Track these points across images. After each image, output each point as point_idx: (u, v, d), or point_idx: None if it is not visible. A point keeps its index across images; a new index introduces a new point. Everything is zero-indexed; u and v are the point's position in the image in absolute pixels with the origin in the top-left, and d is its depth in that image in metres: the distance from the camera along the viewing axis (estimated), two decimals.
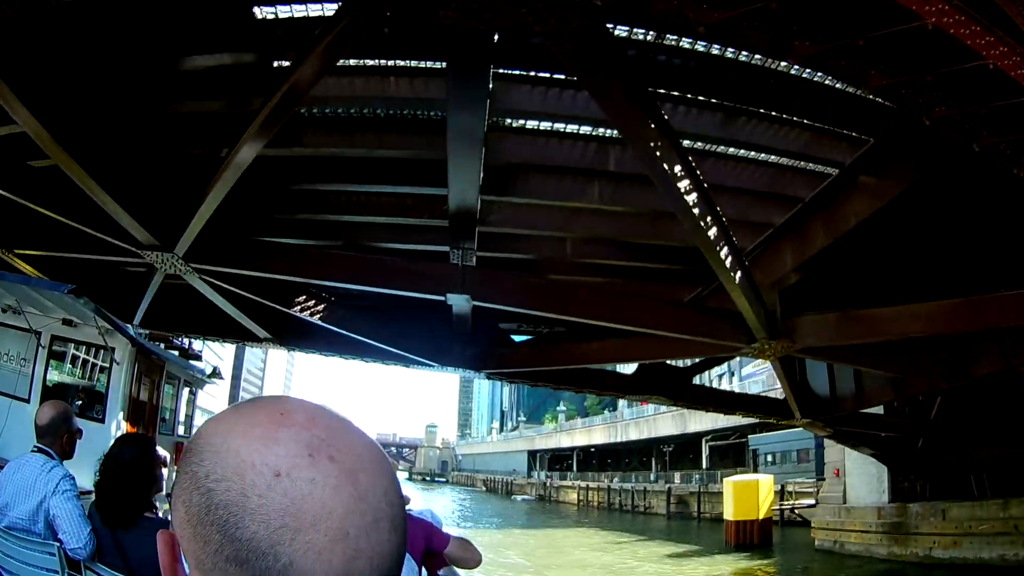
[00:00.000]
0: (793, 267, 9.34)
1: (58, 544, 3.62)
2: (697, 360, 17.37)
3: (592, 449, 74.26)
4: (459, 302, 8.76)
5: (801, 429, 35.89)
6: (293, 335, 14.09)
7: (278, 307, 10.62)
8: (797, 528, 29.65)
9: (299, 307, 10.90)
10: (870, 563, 21.36)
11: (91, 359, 11.15)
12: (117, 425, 10.55)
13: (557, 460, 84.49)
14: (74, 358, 11.10)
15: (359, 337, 12.07)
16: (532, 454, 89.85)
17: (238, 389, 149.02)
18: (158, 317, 12.78)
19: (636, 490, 52.92)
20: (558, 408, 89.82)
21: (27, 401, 9.69)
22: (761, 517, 27.78)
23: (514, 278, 9.26)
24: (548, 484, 73.84)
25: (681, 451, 55.55)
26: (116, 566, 3.48)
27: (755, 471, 40.48)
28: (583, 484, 64.73)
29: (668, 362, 16.20)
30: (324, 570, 0.56)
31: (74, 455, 4.04)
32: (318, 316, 11.14)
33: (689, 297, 10.42)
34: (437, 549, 3.28)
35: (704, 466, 49.83)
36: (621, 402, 71.34)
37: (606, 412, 79.14)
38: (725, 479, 30.84)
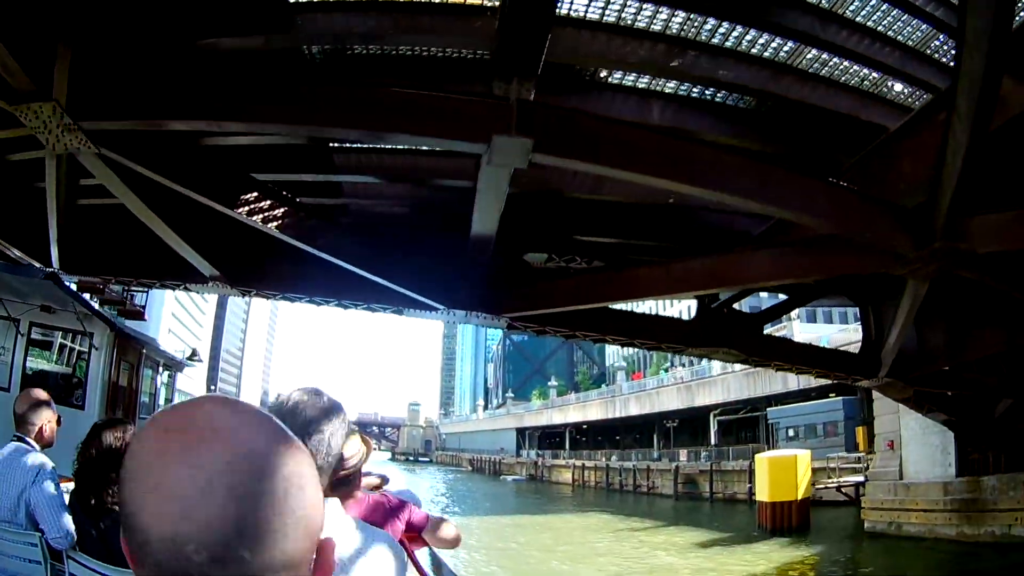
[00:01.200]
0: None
1: (39, 534, 3.62)
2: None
3: (584, 426, 71.93)
4: (509, 154, 5.59)
5: (825, 400, 34.29)
6: (249, 271, 11.23)
7: (218, 207, 7.56)
8: (832, 508, 27.38)
9: (248, 209, 7.87)
10: (937, 545, 19.27)
11: (70, 344, 11.22)
12: (97, 411, 10.63)
13: (548, 438, 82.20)
14: (53, 345, 11.15)
15: (339, 262, 9.13)
16: (521, 432, 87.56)
17: (216, 371, 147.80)
18: (80, 257, 10.21)
19: (638, 469, 50.58)
20: (549, 384, 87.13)
21: (7, 390, 9.61)
22: (799, 497, 25.28)
23: (599, 120, 6.12)
24: (540, 463, 71.55)
25: (686, 427, 53.08)
26: (98, 554, 3.46)
27: (773, 447, 38.13)
28: (578, 463, 62.47)
29: (735, 307, 13.57)
30: (158, 526, 0.66)
31: (54, 443, 4.05)
32: (279, 224, 8.15)
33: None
34: (415, 529, 3.16)
35: (712, 442, 47.40)
36: (619, 375, 69.26)
37: (603, 386, 76.88)
38: (757, 456, 28.29)
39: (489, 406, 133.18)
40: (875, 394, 23.54)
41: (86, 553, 3.51)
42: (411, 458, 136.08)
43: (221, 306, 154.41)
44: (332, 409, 1.75)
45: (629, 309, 15.75)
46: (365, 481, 3.08)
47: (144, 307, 18.03)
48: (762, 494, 25.84)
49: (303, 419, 1.68)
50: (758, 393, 41.33)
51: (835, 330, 40.90)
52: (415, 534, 3.21)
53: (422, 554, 3.28)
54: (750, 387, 42.13)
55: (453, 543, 3.41)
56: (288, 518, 0.70)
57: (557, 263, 12.11)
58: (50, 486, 3.70)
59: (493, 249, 9.26)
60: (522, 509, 44.75)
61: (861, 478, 25.25)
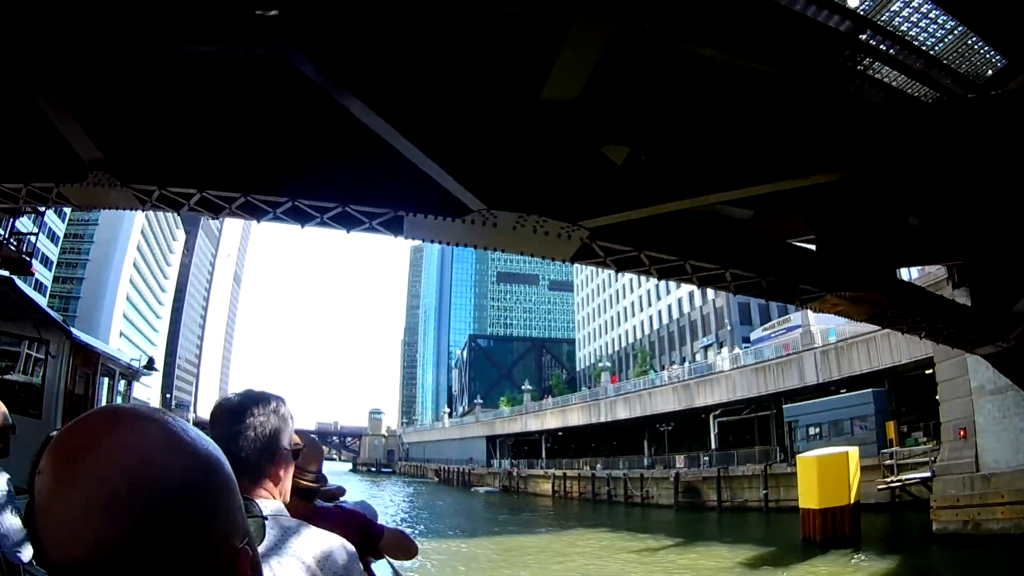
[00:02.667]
0: None
1: None
2: None
3: (560, 433, 68.21)
4: None
5: (853, 393, 31.01)
6: (144, 151, 7.33)
7: None
8: (875, 512, 24.54)
9: None
10: None
11: (26, 352, 10.78)
12: (54, 421, 10.31)
13: (521, 446, 78.23)
14: (8, 353, 10.77)
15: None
16: (492, 440, 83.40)
17: (172, 379, 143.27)
18: None
19: (630, 478, 46.89)
20: (523, 388, 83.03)
21: None
22: (852, 501, 22.12)
23: None
24: (514, 473, 67.51)
25: (681, 430, 49.36)
26: None
27: (790, 447, 34.78)
28: (558, 472, 58.67)
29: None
30: (54, 553, 0.67)
31: (9, 453, 3.83)
32: None
33: None
34: (372, 541, 3.08)
35: (713, 446, 43.84)
36: (604, 376, 65.52)
37: (584, 388, 73.18)
38: (801, 456, 24.81)
39: (455, 413, 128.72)
40: (940, 375, 22.07)
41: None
42: (373, 469, 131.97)
43: (177, 309, 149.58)
44: (261, 399, 1.76)
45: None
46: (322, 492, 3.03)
47: (31, 256, 14.45)
48: (809, 500, 22.47)
49: (233, 415, 1.70)
50: (770, 390, 37.99)
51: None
52: (372, 546, 3.08)
53: (380, 566, 3.24)
54: (760, 383, 38.79)
55: (410, 554, 3.33)
56: (178, 530, 0.68)
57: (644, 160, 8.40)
58: (6, 498, 3.38)
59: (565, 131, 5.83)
60: (504, 526, 40.58)
61: (927, 473, 22.26)
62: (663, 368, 73.16)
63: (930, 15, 7.64)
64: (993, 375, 18.53)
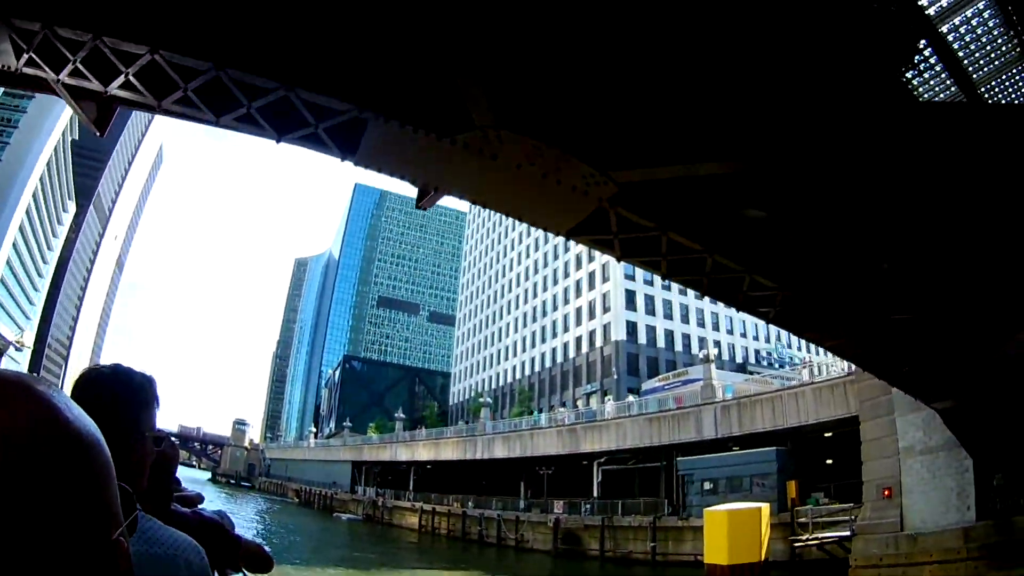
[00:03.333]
0: None
1: None
2: None
3: (429, 466, 65.19)
4: None
5: (756, 450, 30.43)
6: None
7: None
8: (783, 570, 23.95)
9: None
10: None
11: None
12: None
13: (389, 475, 74.35)
14: None
15: None
16: (358, 465, 79.20)
17: (41, 356, 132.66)
18: None
19: (504, 519, 44.60)
20: (396, 416, 79.48)
21: None
22: (763, 558, 21.33)
23: None
24: (380, 503, 63.77)
25: (562, 475, 47.66)
26: None
27: (681, 501, 33.78)
28: (427, 506, 55.63)
29: None
30: None
31: None
32: None
33: None
34: (230, 551, 2.88)
35: (595, 494, 42.37)
36: (483, 412, 63.31)
37: (461, 423, 70.67)
38: (706, 510, 23.54)
39: (320, 434, 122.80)
40: (866, 435, 22.37)
41: None
42: (233, 481, 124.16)
43: (56, 286, 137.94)
44: (130, 375, 1.66)
45: None
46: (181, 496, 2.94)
47: None
48: (717, 556, 21.26)
49: (97, 387, 1.59)
50: (663, 441, 37.08)
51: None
52: (230, 557, 2.90)
53: None
54: (653, 434, 37.87)
55: (267, 568, 3.17)
56: (48, 516, 0.62)
57: None
58: None
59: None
60: (368, 560, 37.47)
61: (846, 532, 22.12)
62: (542, 410, 71.98)
63: None
64: (924, 436, 19.22)
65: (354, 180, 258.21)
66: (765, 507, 22.85)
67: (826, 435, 30.35)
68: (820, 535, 24.10)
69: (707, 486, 32.25)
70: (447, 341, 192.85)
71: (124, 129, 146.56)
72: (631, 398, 47.95)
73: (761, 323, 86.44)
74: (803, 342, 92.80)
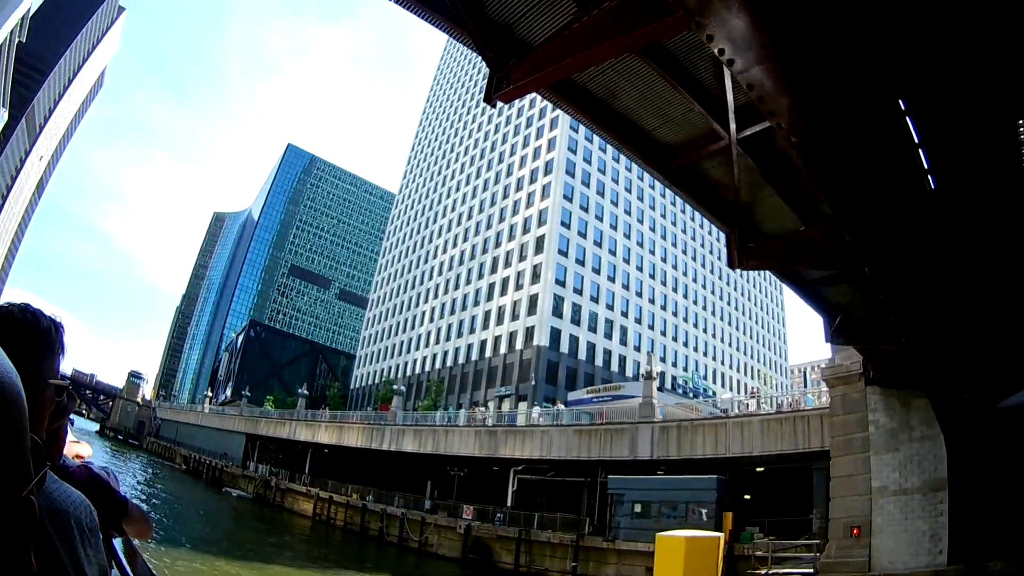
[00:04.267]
0: None
1: None
2: None
3: (326, 450, 61.92)
4: None
5: (697, 476, 29.25)
6: None
7: None
8: None
9: None
10: None
11: None
12: None
13: (284, 454, 70.42)
14: None
15: None
16: (252, 439, 74.96)
17: None
18: None
19: (409, 519, 42.04)
20: (299, 392, 75.25)
21: None
22: None
23: None
24: (273, 483, 59.98)
25: (475, 479, 45.41)
26: None
27: (607, 521, 32.18)
28: (324, 494, 52.41)
29: None
30: None
31: None
32: None
33: None
34: (116, 512, 2.76)
35: (509, 503, 40.34)
36: (395, 400, 60.54)
37: (369, 408, 67.43)
38: (661, 535, 21.70)
39: (215, 400, 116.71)
40: (836, 471, 22.04)
41: None
42: (121, 437, 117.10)
43: None
44: (37, 315, 1.54)
45: None
46: (71, 447, 2.90)
47: None
48: None
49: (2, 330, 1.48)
50: (593, 456, 35.51)
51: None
52: (115, 520, 2.80)
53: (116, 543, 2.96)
54: (582, 447, 36.28)
55: (146, 535, 3.02)
56: None
57: None
58: None
59: None
60: (255, 546, 34.42)
61: (809, 569, 21.52)
62: (449, 407, 69.50)
63: None
64: (900, 476, 19.44)
65: (288, 140, 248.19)
66: (720, 536, 21.78)
67: (758, 470, 29.63)
68: (780, 570, 22.95)
69: (637, 508, 30.77)
70: (354, 322, 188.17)
71: (72, 43, 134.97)
72: (560, 406, 46.16)
73: (682, 350, 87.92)
74: (718, 376, 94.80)
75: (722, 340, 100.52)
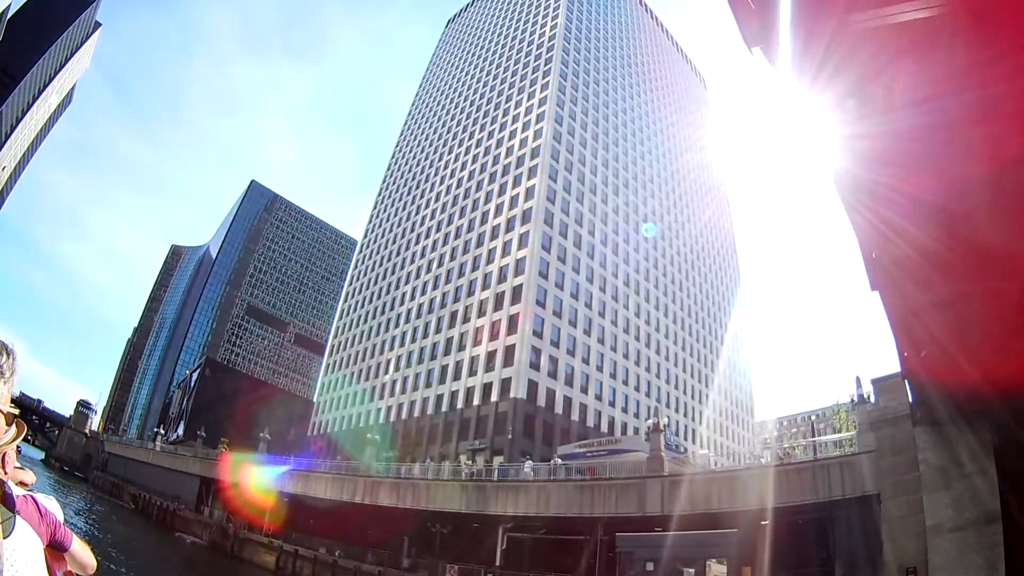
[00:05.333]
0: None
1: None
2: None
3: (286, 499, 58.27)
4: None
5: (710, 531, 27.53)
6: None
7: None
8: None
9: None
10: None
11: None
12: None
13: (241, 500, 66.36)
14: None
15: None
16: (207, 482, 70.56)
17: None
18: None
19: None
20: (262, 436, 71.66)
21: None
22: None
23: None
24: (231, 531, 56.10)
25: (459, 536, 42.71)
26: None
27: None
28: (290, 547, 48.96)
29: None
30: None
31: None
32: None
33: None
34: (59, 546, 2.68)
35: (498, 563, 37.83)
36: (369, 450, 57.63)
37: (339, 459, 64.09)
38: None
39: (166, 438, 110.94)
40: (888, 514, 21.55)
41: None
42: (67, 469, 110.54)
43: None
44: None
45: None
46: (16, 473, 2.87)
47: None
48: None
49: None
50: (596, 512, 33.37)
51: None
52: (59, 551, 2.73)
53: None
54: (584, 503, 34.14)
55: (89, 568, 2.92)
56: None
57: None
58: None
59: None
60: None
61: None
62: (416, 460, 66.27)
63: None
64: (953, 513, 19.02)
65: (250, 177, 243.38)
66: None
67: (762, 523, 28.15)
68: None
69: (649, 566, 28.84)
70: (308, 367, 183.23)
71: (46, 52, 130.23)
72: (557, 460, 43.88)
73: (655, 406, 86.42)
74: (689, 432, 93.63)
75: (692, 396, 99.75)
